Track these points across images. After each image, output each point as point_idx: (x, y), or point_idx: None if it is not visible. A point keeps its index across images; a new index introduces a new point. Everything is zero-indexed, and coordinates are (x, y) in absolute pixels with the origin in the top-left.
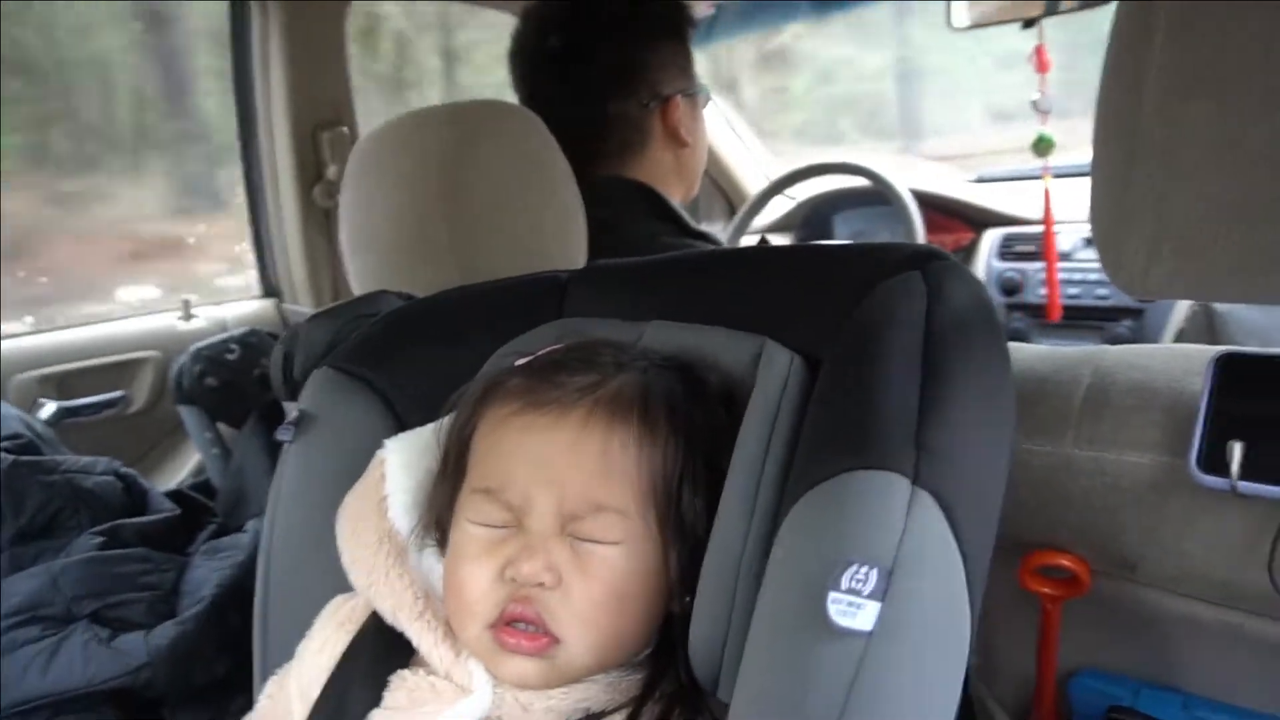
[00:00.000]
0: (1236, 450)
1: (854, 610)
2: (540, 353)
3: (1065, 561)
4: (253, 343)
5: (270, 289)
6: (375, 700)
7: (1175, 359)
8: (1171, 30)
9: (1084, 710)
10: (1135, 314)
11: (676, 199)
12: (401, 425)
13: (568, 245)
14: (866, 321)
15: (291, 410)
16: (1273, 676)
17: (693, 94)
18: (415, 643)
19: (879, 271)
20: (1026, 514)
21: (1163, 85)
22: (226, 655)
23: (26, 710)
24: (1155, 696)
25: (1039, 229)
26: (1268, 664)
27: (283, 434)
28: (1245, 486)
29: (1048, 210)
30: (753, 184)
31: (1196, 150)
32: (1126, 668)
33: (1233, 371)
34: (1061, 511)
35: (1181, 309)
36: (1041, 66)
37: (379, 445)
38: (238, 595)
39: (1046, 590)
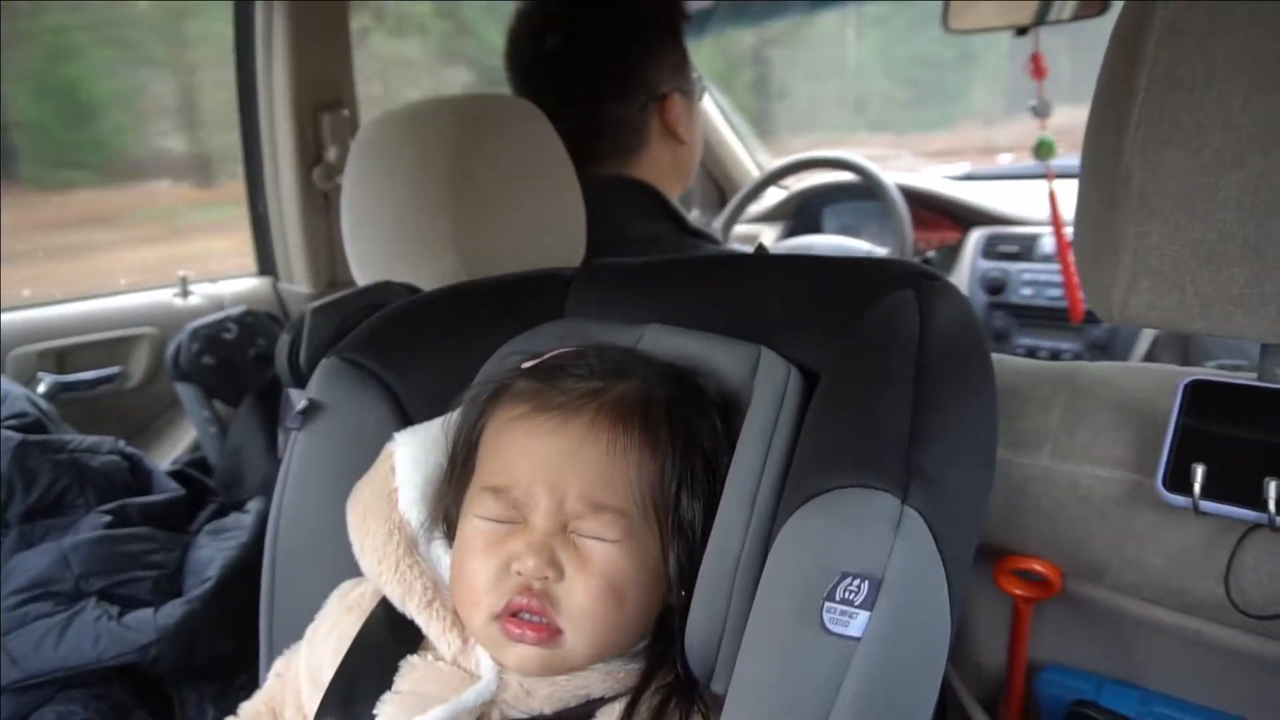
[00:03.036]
0: (1199, 472)
1: (846, 618)
2: (545, 356)
3: (1038, 566)
4: (250, 322)
5: (267, 268)
6: (386, 684)
7: (1148, 379)
8: (1153, 82)
9: (1049, 703)
10: None
11: (673, 194)
12: (406, 416)
13: (569, 241)
14: (862, 341)
15: (299, 399)
16: (1225, 676)
17: (689, 90)
18: (424, 630)
19: (875, 289)
20: (1003, 521)
21: (1143, 133)
22: (231, 634)
23: (39, 683)
24: (1116, 692)
25: (1024, 229)
26: (1220, 665)
27: (291, 423)
28: (1206, 506)
29: (1055, 213)
30: (744, 172)
31: (1172, 194)
32: (1090, 665)
33: (1200, 396)
34: (1036, 520)
35: None
36: (1038, 73)
37: (385, 436)
38: (242, 575)
39: (1019, 592)
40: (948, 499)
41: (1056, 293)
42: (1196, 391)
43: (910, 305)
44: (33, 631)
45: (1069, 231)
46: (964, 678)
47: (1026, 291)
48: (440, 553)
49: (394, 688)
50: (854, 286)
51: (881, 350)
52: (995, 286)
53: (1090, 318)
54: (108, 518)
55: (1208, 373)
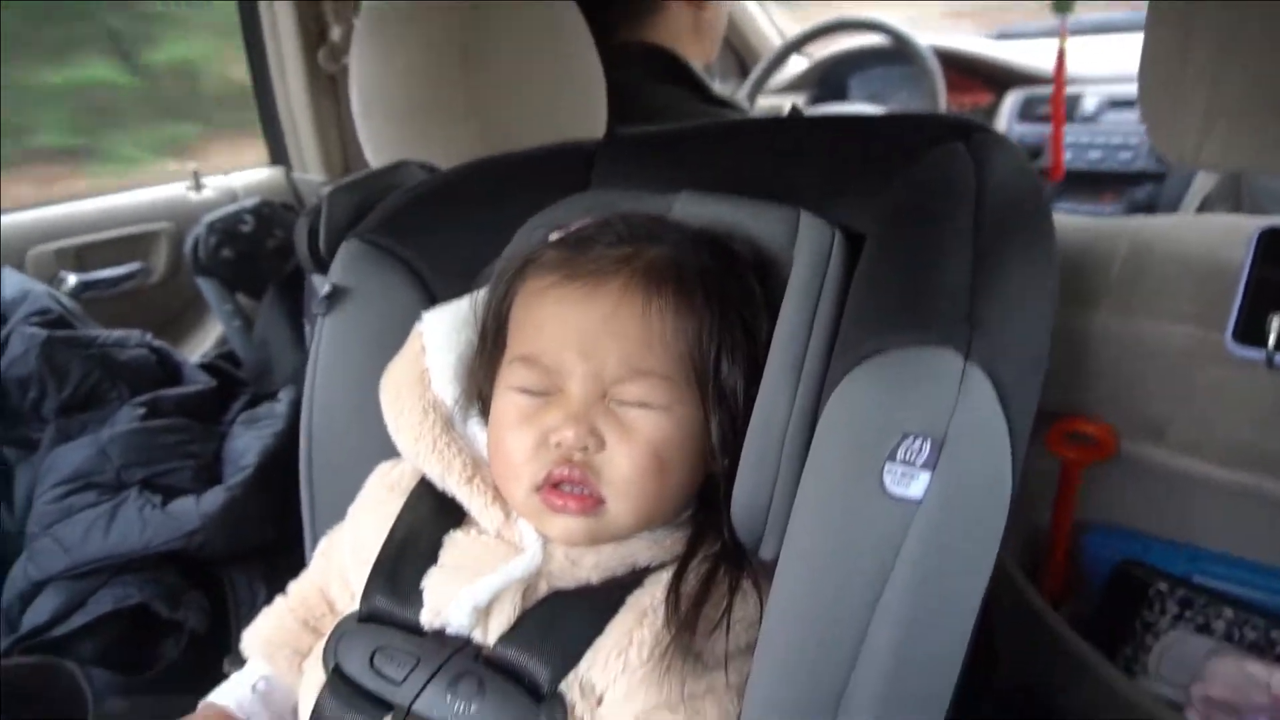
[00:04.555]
0: (1276, 322)
1: (907, 480)
2: (573, 227)
3: (1092, 428)
4: (266, 214)
5: (278, 157)
6: (431, 560)
7: (1215, 229)
8: None
9: (1094, 564)
10: (1157, 179)
11: (697, 62)
12: (431, 296)
13: (588, 112)
14: (913, 196)
15: (322, 285)
16: None
17: None
18: (466, 506)
19: (923, 143)
20: (1058, 382)
21: None
22: (273, 519)
23: (93, 570)
24: (1165, 550)
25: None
26: (1278, 521)
27: (316, 308)
28: None
29: (1059, 70)
30: (764, 40)
31: (1253, 30)
32: (1138, 526)
33: (1276, 245)
34: (1092, 380)
35: (1206, 175)
36: None
37: (411, 317)
38: (280, 462)
39: (1071, 455)
40: (1012, 353)
41: (1098, 154)
42: (1272, 240)
43: (963, 157)
44: (79, 521)
45: (1083, 91)
46: (1005, 542)
47: (1066, 155)
48: (477, 430)
49: (439, 562)
50: (900, 142)
51: (936, 203)
52: (1033, 151)
53: (1100, 180)
54: (142, 410)
55: None
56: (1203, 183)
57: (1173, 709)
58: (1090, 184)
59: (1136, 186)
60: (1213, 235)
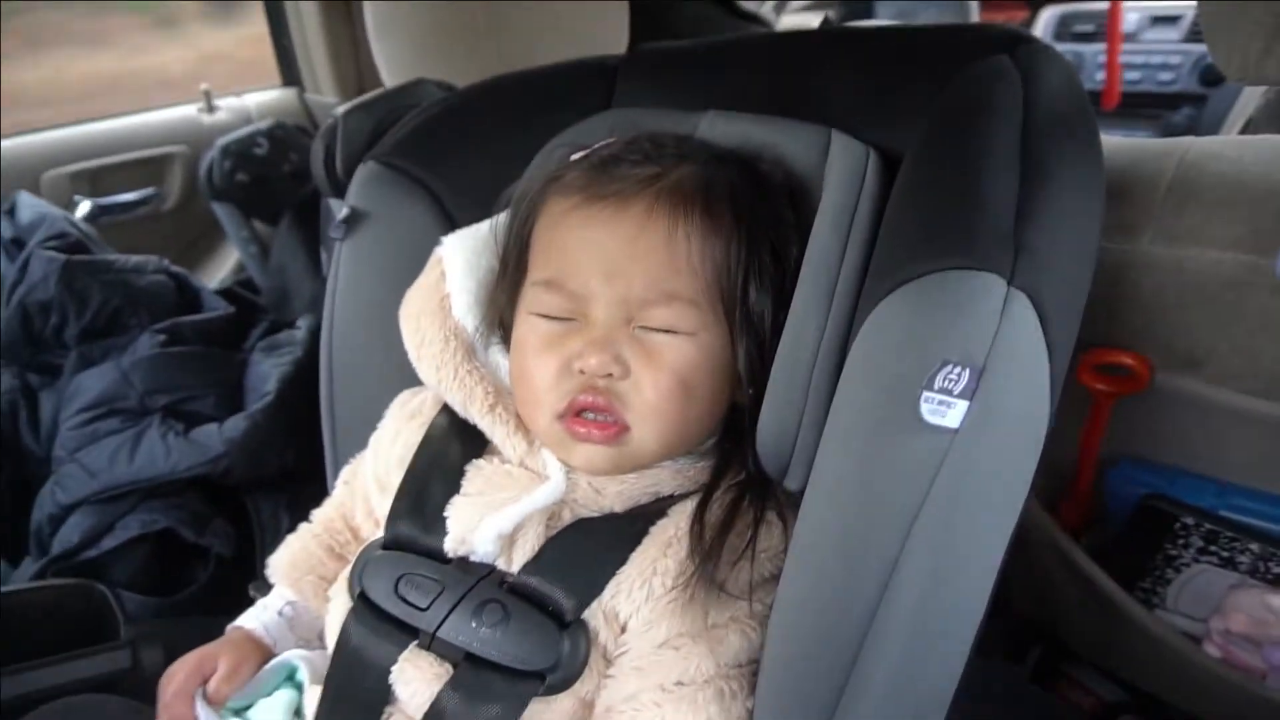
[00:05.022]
0: None
1: (944, 409)
2: (595, 146)
3: (1128, 359)
4: (280, 136)
5: (291, 78)
6: (454, 488)
7: (1268, 149)
8: None
9: (1118, 498)
10: (1197, 101)
11: None
12: (451, 220)
13: (611, 27)
14: (956, 111)
15: (339, 209)
16: None
17: None
18: (488, 434)
19: (965, 56)
20: (1090, 312)
21: None
22: (295, 446)
23: (120, 495)
24: (1191, 484)
25: (1101, 5)
26: None
27: (334, 233)
28: None
29: None
30: None
31: None
32: (1166, 459)
33: None
34: (1130, 310)
35: (1250, 96)
36: None
37: (430, 240)
38: (301, 389)
39: (1102, 387)
40: (1056, 279)
41: (1136, 75)
42: None
43: (1008, 70)
44: (104, 447)
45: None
46: None
47: (1103, 76)
48: (499, 357)
49: (462, 490)
50: (940, 55)
51: (979, 120)
52: None
53: (1137, 102)
54: (162, 336)
55: None
56: (1246, 103)
57: (1190, 642)
58: (1125, 107)
59: (1174, 110)
60: (1269, 155)
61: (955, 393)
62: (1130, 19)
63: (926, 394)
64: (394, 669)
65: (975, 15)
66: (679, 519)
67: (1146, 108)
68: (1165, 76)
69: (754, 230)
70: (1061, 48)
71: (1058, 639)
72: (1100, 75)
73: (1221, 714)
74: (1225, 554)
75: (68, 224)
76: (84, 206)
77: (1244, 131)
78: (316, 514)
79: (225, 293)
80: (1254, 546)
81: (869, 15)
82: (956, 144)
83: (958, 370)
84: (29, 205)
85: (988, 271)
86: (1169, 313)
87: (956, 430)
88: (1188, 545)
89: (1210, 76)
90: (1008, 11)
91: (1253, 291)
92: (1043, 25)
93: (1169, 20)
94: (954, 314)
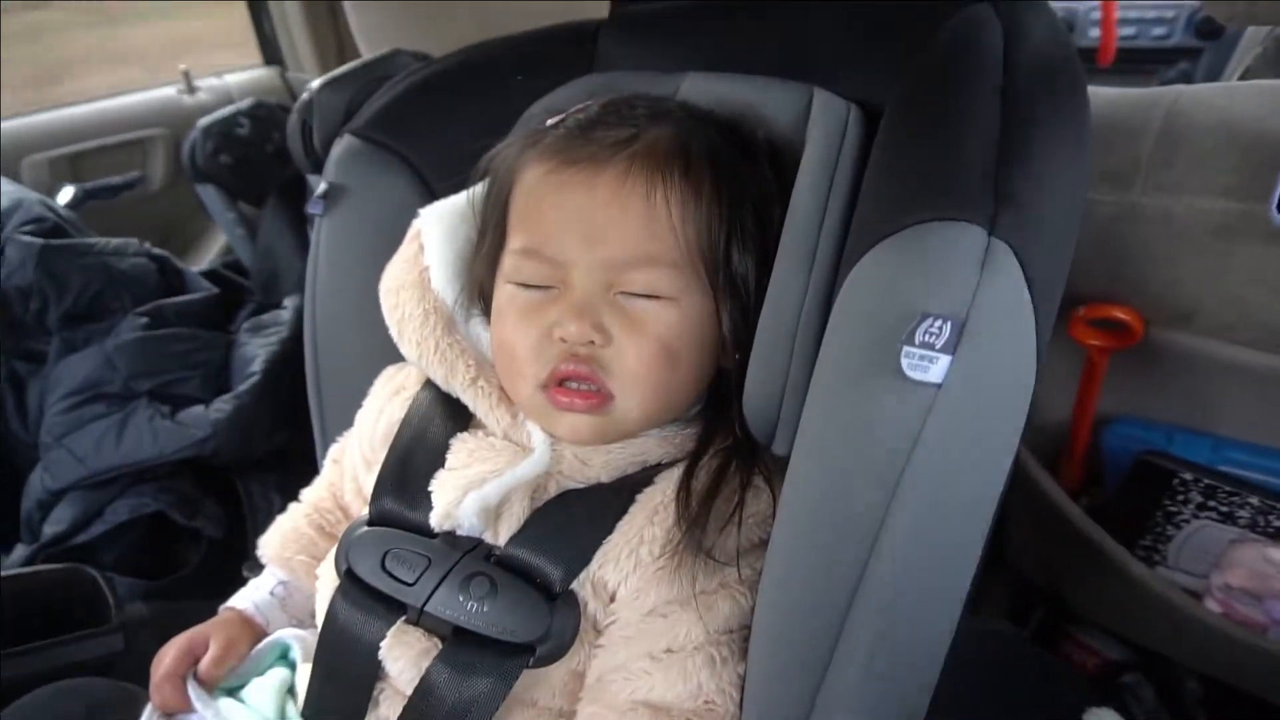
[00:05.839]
0: None
1: (926, 364)
2: (572, 110)
3: (1119, 313)
4: (262, 115)
5: (272, 56)
6: (439, 462)
7: (1258, 96)
8: None
9: (1115, 456)
10: (1193, 55)
11: None
12: (430, 191)
13: None
14: (936, 62)
15: (319, 184)
16: None
17: None
18: (472, 408)
19: (945, 6)
20: (1082, 266)
21: None
22: (284, 426)
23: (109, 479)
24: (1188, 441)
25: None
26: None
27: (313, 208)
28: None
29: None
30: None
31: None
32: (1162, 416)
33: None
34: (1120, 263)
35: (1249, 45)
36: None
37: (410, 213)
38: (287, 369)
39: (1095, 342)
40: (1040, 230)
41: (1131, 30)
42: None
43: (990, 19)
44: (90, 432)
45: None
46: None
47: (1097, 33)
48: (480, 330)
49: (446, 465)
50: (920, 6)
51: (960, 69)
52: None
53: (1131, 58)
54: (145, 319)
55: None
56: (1243, 54)
57: (1191, 598)
58: (1122, 65)
59: (1170, 66)
60: (1259, 100)
61: (937, 347)
62: None
63: (907, 349)
64: (383, 645)
65: None
66: (665, 487)
67: (1142, 63)
68: (1159, 31)
69: (735, 191)
70: (1056, 5)
71: (1060, 599)
72: (1095, 32)
73: (1224, 668)
74: (1224, 509)
75: (44, 208)
76: (68, 192)
77: (1242, 79)
78: (306, 493)
79: (210, 274)
80: (1253, 500)
81: None
82: (935, 96)
83: (939, 323)
84: (3, 191)
85: (967, 222)
86: (1159, 265)
87: (940, 385)
88: (1187, 501)
89: (1205, 29)
90: None
91: (1243, 240)
92: None
93: None
94: (934, 266)
